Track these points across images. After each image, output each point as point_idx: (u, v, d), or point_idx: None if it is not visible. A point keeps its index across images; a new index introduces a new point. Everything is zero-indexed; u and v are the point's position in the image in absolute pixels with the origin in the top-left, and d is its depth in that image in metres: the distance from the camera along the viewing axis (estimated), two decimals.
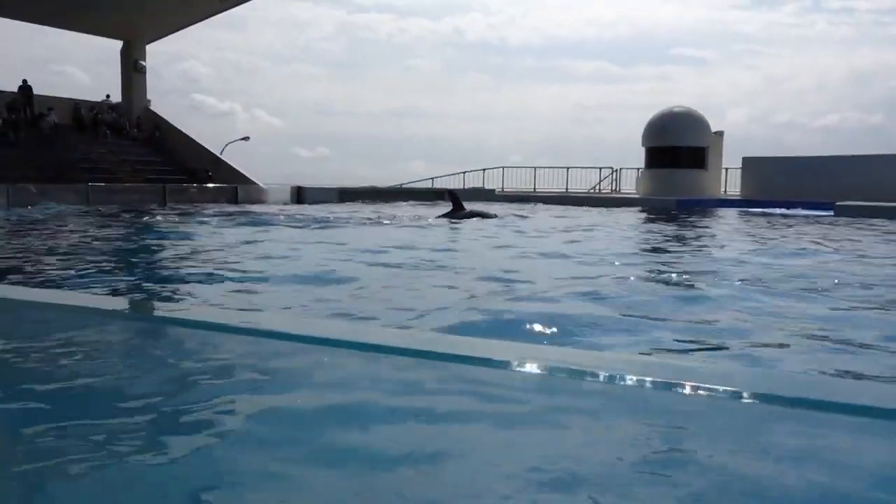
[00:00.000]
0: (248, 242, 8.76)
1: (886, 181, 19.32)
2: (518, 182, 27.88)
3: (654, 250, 8.97)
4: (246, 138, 30.97)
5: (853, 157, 21.02)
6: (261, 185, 22.55)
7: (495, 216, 13.22)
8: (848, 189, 19.05)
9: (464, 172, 27.79)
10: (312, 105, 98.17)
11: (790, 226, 13.48)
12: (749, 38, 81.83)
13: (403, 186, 26.51)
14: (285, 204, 19.42)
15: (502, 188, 27.08)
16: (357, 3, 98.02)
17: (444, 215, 13.01)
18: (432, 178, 27.57)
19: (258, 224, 11.68)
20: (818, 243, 9.60)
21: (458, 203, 13.43)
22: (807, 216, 16.43)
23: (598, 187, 27.06)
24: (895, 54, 73.24)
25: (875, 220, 14.32)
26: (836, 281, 5.82)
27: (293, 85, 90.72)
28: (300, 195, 20.98)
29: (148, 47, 27.32)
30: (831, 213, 16.87)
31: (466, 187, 26.26)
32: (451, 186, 25.96)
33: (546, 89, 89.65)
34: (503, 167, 28.09)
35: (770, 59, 79.95)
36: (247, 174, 24.21)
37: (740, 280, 5.83)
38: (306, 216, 13.46)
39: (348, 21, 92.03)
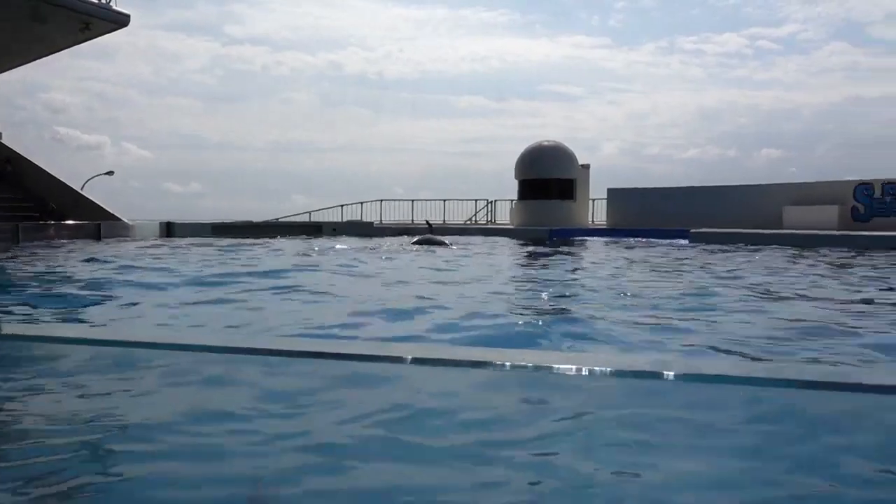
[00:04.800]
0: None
1: (736, 209, 20.94)
2: (397, 214, 28.17)
3: (532, 275, 9.56)
4: (110, 173, 29.56)
5: (706, 187, 22.70)
6: (126, 221, 21.55)
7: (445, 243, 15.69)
8: (703, 217, 20.53)
9: (342, 205, 27.76)
10: (185, 138, 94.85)
11: (641, 249, 14.44)
12: (612, 76, 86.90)
13: (280, 220, 26.10)
14: (155, 240, 18.64)
15: (381, 221, 27.21)
16: (231, 35, 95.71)
17: (417, 241, 16.10)
18: (309, 212, 27.35)
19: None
20: (660, 266, 10.42)
21: (431, 232, 17.78)
22: (663, 243, 17.57)
23: (474, 219, 27.74)
24: (739, 94, 79.87)
25: (723, 245, 15.57)
26: (677, 292, 6.45)
27: (165, 117, 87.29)
28: (170, 231, 20.21)
29: (1, 77, 25.64)
30: (686, 240, 18.11)
31: (344, 220, 26.20)
32: (328, 220, 25.89)
33: (424, 123, 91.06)
34: (381, 200, 28.30)
35: (632, 96, 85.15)
36: (112, 210, 23.05)
37: (599, 298, 6.35)
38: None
39: (222, 53, 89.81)
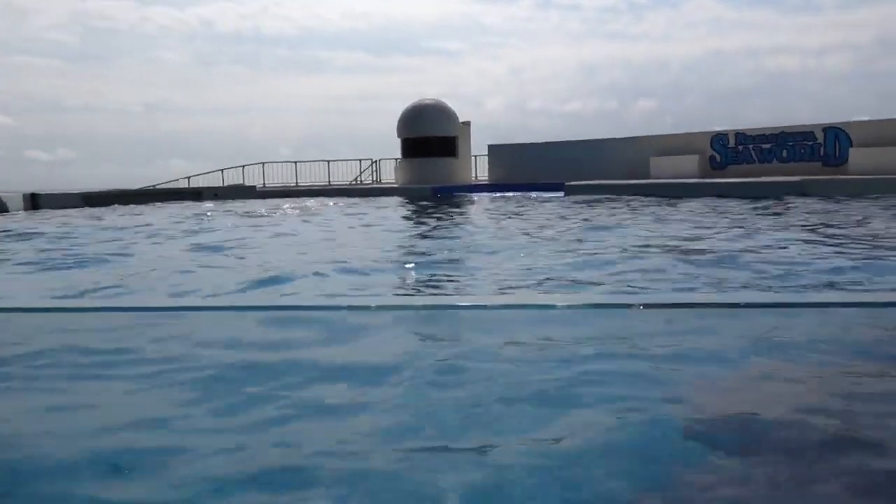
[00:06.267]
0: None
1: (609, 161, 22.01)
2: (280, 177, 27.72)
3: (415, 232, 10.02)
4: None
5: (580, 141, 23.65)
6: None
7: None
8: (579, 170, 21.46)
9: (222, 170, 26.99)
10: (47, 102, 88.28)
11: (522, 205, 15.20)
12: (491, 31, 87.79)
13: (157, 187, 25.16)
14: (18, 212, 17.60)
15: (264, 184, 26.75)
16: None
17: None
18: (188, 177, 26.45)
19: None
20: (530, 217, 11.09)
21: None
22: (541, 197, 18.37)
23: (359, 179, 27.75)
24: (615, 48, 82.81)
25: (594, 196, 16.53)
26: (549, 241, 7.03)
27: (21, 80, 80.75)
28: (35, 202, 19.12)
29: None
30: (562, 192, 18.98)
31: (225, 185, 25.58)
32: (209, 185, 25.20)
33: (305, 81, 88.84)
34: (263, 163, 27.73)
35: (511, 51, 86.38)
36: None
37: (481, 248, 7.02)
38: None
39: (81, 9, 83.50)
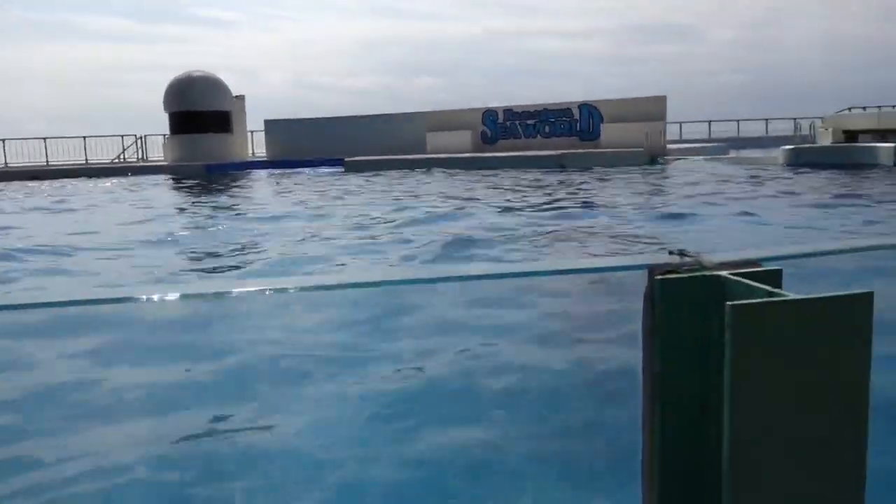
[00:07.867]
0: None
1: (388, 136, 22.15)
2: (29, 155, 24.66)
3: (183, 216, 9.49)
4: None
5: (359, 116, 23.57)
6: None
7: None
8: (358, 145, 21.41)
9: None
10: None
11: (299, 181, 14.93)
12: (269, 2, 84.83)
13: None
14: None
15: (6, 164, 23.66)
16: None
17: None
18: None
19: None
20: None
21: None
22: (321, 172, 18.13)
23: (122, 157, 25.54)
24: (389, 24, 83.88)
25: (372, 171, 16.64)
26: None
27: None
28: None
29: None
30: (342, 168, 18.89)
31: None
32: None
33: (56, 48, 79.84)
34: (3, 139, 24.48)
35: (289, 24, 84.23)
36: None
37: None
38: None
39: None
